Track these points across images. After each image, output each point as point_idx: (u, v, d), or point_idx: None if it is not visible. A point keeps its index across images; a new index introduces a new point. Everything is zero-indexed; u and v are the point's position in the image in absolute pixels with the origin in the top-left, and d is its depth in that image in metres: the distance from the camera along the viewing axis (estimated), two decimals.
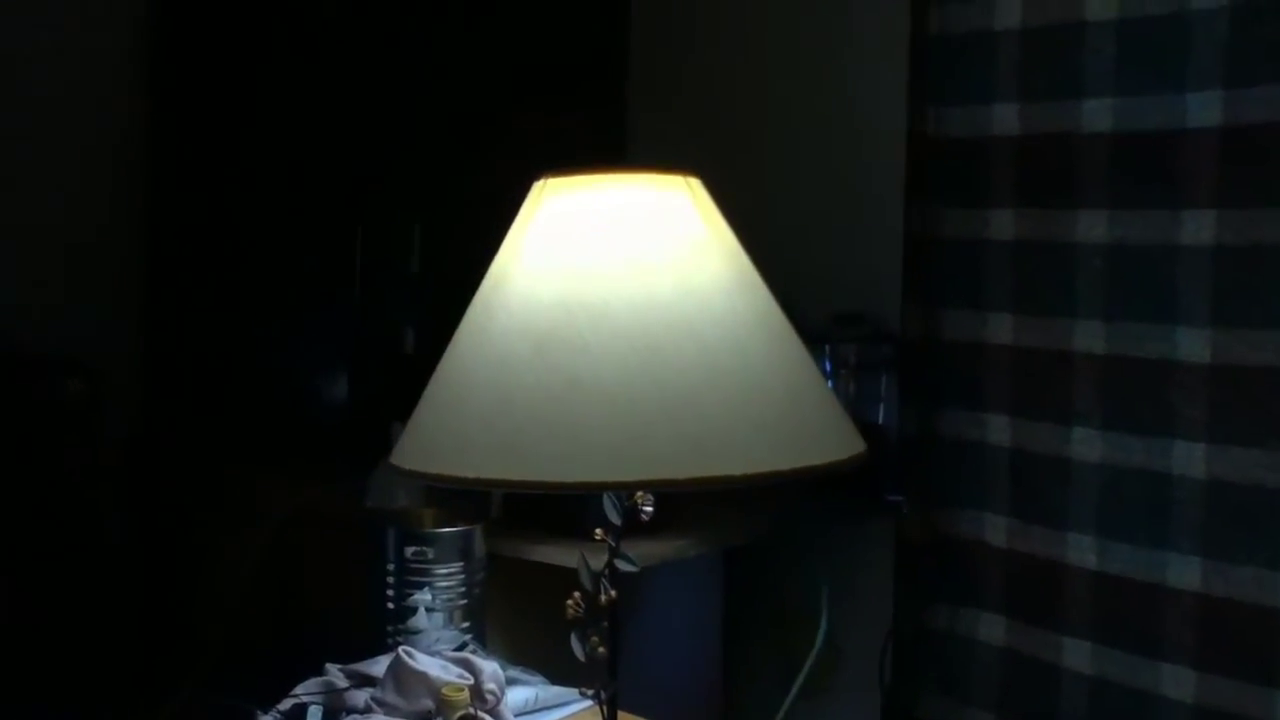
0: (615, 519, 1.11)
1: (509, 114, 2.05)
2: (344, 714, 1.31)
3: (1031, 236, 1.57)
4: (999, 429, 1.63)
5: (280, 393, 2.01)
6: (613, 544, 1.11)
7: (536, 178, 1.06)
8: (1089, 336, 1.52)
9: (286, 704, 1.32)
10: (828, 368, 1.82)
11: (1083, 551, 1.54)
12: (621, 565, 1.12)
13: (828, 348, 1.81)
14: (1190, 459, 1.44)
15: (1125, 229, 1.47)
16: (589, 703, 1.34)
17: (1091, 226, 1.50)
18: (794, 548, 1.97)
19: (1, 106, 1.97)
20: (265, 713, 1.30)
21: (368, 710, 1.31)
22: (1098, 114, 1.48)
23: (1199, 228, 1.40)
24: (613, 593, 1.11)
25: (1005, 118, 1.58)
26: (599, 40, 2.27)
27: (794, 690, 1.85)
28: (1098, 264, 1.50)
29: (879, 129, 1.89)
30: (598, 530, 1.12)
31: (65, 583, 1.79)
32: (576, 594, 1.13)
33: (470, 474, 0.95)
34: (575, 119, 2.14)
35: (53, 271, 2.04)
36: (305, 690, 1.35)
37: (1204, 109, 1.39)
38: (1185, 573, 1.45)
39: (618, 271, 0.97)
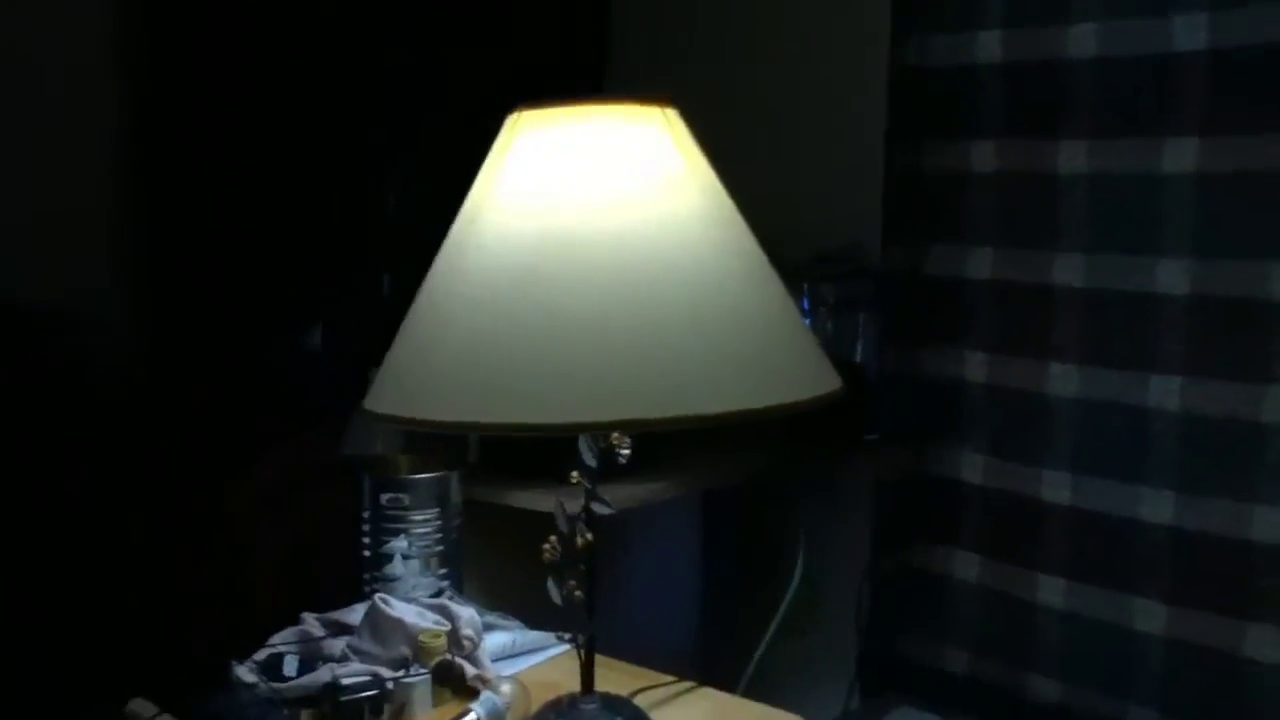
0: (591, 461, 1.09)
1: (482, 33, 2.00)
2: (320, 662, 1.29)
3: (1014, 168, 1.54)
4: (977, 365, 1.62)
5: (258, 341, 1.98)
6: (589, 487, 1.10)
7: (510, 111, 1.03)
8: (1069, 270, 1.50)
9: (262, 654, 1.31)
10: (806, 305, 1.81)
11: (1058, 488, 1.55)
12: (598, 508, 1.10)
13: (806, 285, 1.79)
14: (1166, 393, 1.44)
15: (1106, 158, 1.45)
16: (567, 647, 1.35)
17: (1073, 156, 1.48)
18: (772, 488, 1.97)
19: None
20: (241, 663, 1.28)
21: (344, 658, 1.30)
22: (1083, 39, 1.45)
23: (1182, 156, 1.39)
24: (589, 536, 1.10)
25: (989, 44, 1.55)
26: None
27: (771, 629, 1.86)
28: (1079, 195, 1.48)
29: (861, 59, 1.85)
30: (573, 473, 1.10)
31: (49, 540, 1.77)
32: (553, 538, 1.12)
33: (445, 418, 0.93)
34: (553, 43, 2.10)
35: (37, 223, 2.00)
36: (281, 639, 1.34)
37: (1190, 32, 1.36)
38: (1159, 507, 1.46)
39: (594, 205, 0.95)
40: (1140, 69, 1.41)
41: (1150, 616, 1.47)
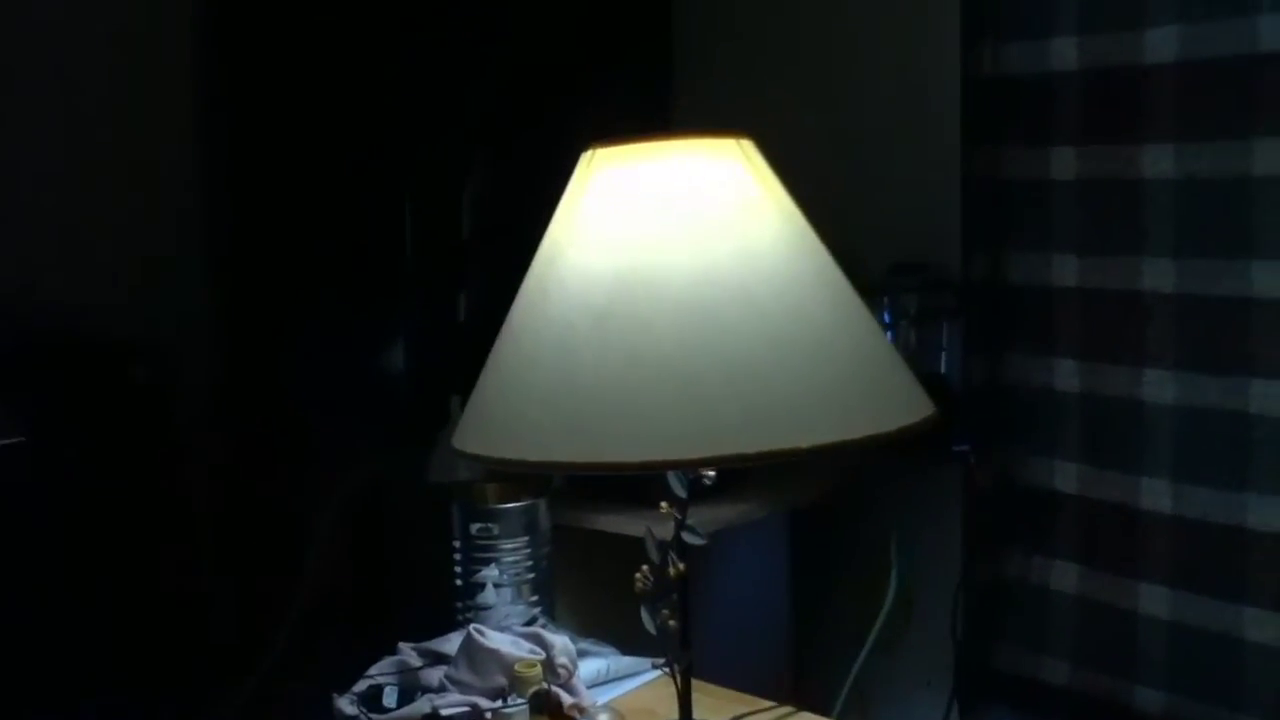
0: (680, 493, 1.09)
1: (554, 78, 2.01)
2: (419, 693, 1.31)
3: (1095, 174, 1.52)
4: (1067, 373, 1.60)
5: (340, 369, 2.02)
6: (679, 517, 1.10)
7: (584, 145, 1.03)
8: (1158, 275, 1.48)
9: (362, 685, 1.33)
10: (887, 318, 1.79)
11: (1158, 495, 1.52)
12: (689, 538, 1.10)
13: (886, 298, 1.78)
14: (1269, 397, 1.40)
15: (1194, 162, 1.43)
16: (661, 673, 1.35)
17: (1158, 160, 1.46)
18: (860, 503, 1.95)
19: (62, 95, 1.99)
20: (341, 695, 1.31)
21: (442, 689, 1.31)
22: (1162, 43, 1.43)
23: (1274, 157, 1.35)
24: (681, 565, 1.11)
25: (1064, 52, 1.53)
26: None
27: (867, 646, 1.84)
28: (1166, 199, 1.45)
29: (933, 72, 1.83)
30: (663, 503, 1.11)
31: (142, 567, 1.83)
32: (644, 567, 1.12)
33: (534, 457, 0.94)
34: (621, 81, 2.10)
35: (117, 258, 2.06)
36: (380, 670, 1.36)
37: (1277, 32, 1.33)
38: (1267, 514, 1.42)
39: (673, 241, 0.95)
40: (1224, 71, 1.38)
41: (1262, 626, 1.43)
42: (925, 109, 1.87)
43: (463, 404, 1.05)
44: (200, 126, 2.17)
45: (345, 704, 1.29)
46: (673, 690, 1.15)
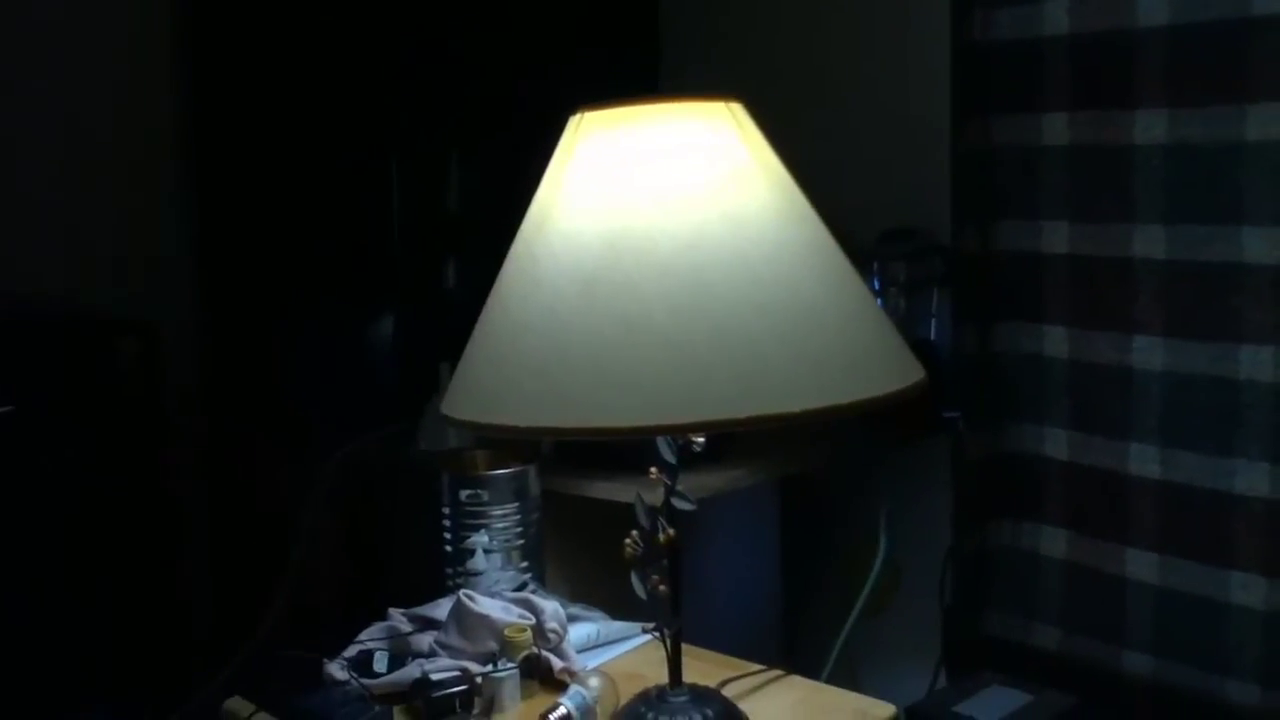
0: (670, 458, 1.10)
1: (541, 43, 2.00)
2: (409, 658, 1.32)
3: (1086, 140, 1.51)
4: (1057, 340, 1.60)
5: (328, 337, 2.01)
6: (669, 483, 1.10)
7: (571, 108, 1.02)
8: (1149, 242, 1.47)
9: (352, 650, 1.33)
10: (876, 285, 1.79)
11: (1146, 461, 1.52)
12: (679, 504, 1.11)
13: (876, 265, 1.78)
14: (1257, 363, 1.41)
15: (1186, 127, 1.42)
16: (650, 636, 1.35)
17: (1150, 127, 1.45)
18: (850, 470, 1.96)
19: (52, 76, 1.99)
20: (332, 660, 1.31)
21: (433, 654, 1.32)
22: (1153, 7, 1.42)
23: (1267, 122, 1.34)
24: (671, 531, 1.11)
25: (1054, 15, 1.52)
26: None
27: (855, 611, 1.85)
28: (1157, 166, 1.45)
29: (923, 37, 1.82)
30: (652, 469, 1.11)
31: (131, 539, 1.83)
32: (634, 533, 1.12)
33: (523, 423, 0.93)
34: (609, 43, 2.08)
35: (105, 233, 2.07)
36: (370, 636, 1.36)
37: None
38: (1254, 479, 1.42)
39: (663, 205, 0.94)
40: (1217, 34, 1.37)
41: (1249, 590, 1.44)
42: (915, 75, 1.86)
43: (452, 371, 1.05)
44: (185, 109, 2.17)
45: (336, 669, 1.29)
46: (662, 654, 1.16)
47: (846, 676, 1.88)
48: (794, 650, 1.99)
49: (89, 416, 1.77)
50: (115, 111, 2.09)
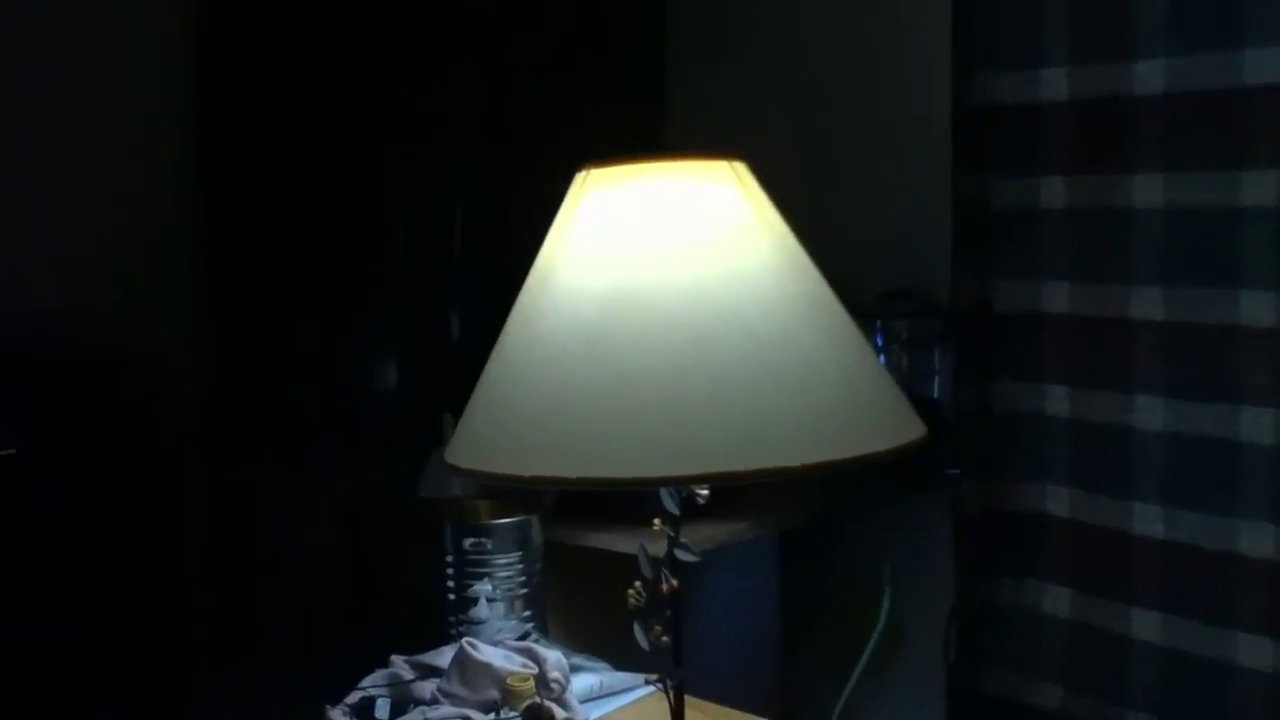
0: (673, 509, 1.10)
1: (546, 94, 2.03)
2: (412, 705, 1.32)
3: (1085, 203, 1.54)
4: (1057, 399, 1.60)
5: (332, 383, 2.03)
6: (671, 534, 1.11)
7: (577, 165, 1.04)
8: (1148, 303, 1.49)
9: (354, 697, 1.33)
10: (879, 343, 1.81)
11: (1149, 521, 1.52)
12: (682, 555, 1.11)
13: (878, 323, 1.80)
14: (1258, 425, 1.41)
15: (1183, 192, 1.44)
16: (653, 688, 1.35)
17: (1147, 190, 1.47)
18: (851, 525, 1.96)
19: (54, 106, 2.00)
20: (334, 706, 1.31)
21: (435, 701, 1.32)
22: (1150, 75, 1.45)
23: (1261, 188, 1.37)
24: (675, 582, 1.11)
25: (1054, 82, 1.55)
26: (637, 13, 2.25)
27: (858, 669, 1.85)
28: (1155, 228, 1.47)
29: (925, 99, 1.85)
30: (655, 520, 1.11)
31: (136, 577, 1.83)
32: (637, 583, 1.12)
33: (526, 473, 0.94)
34: (615, 101, 2.12)
35: (111, 271, 2.07)
36: (372, 683, 1.36)
37: (1264, 65, 1.35)
38: (1257, 540, 1.42)
39: (665, 261, 0.96)
40: (1211, 103, 1.40)
41: (1255, 652, 1.44)
42: (917, 136, 1.89)
43: (455, 421, 1.06)
44: (196, 143, 2.19)
45: (338, 715, 1.29)
46: (665, 706, 1.15)
47: None
48: (793, 704, 1.98)
49: (91, 456, 1.78)
50: (121, 136, 2.07)
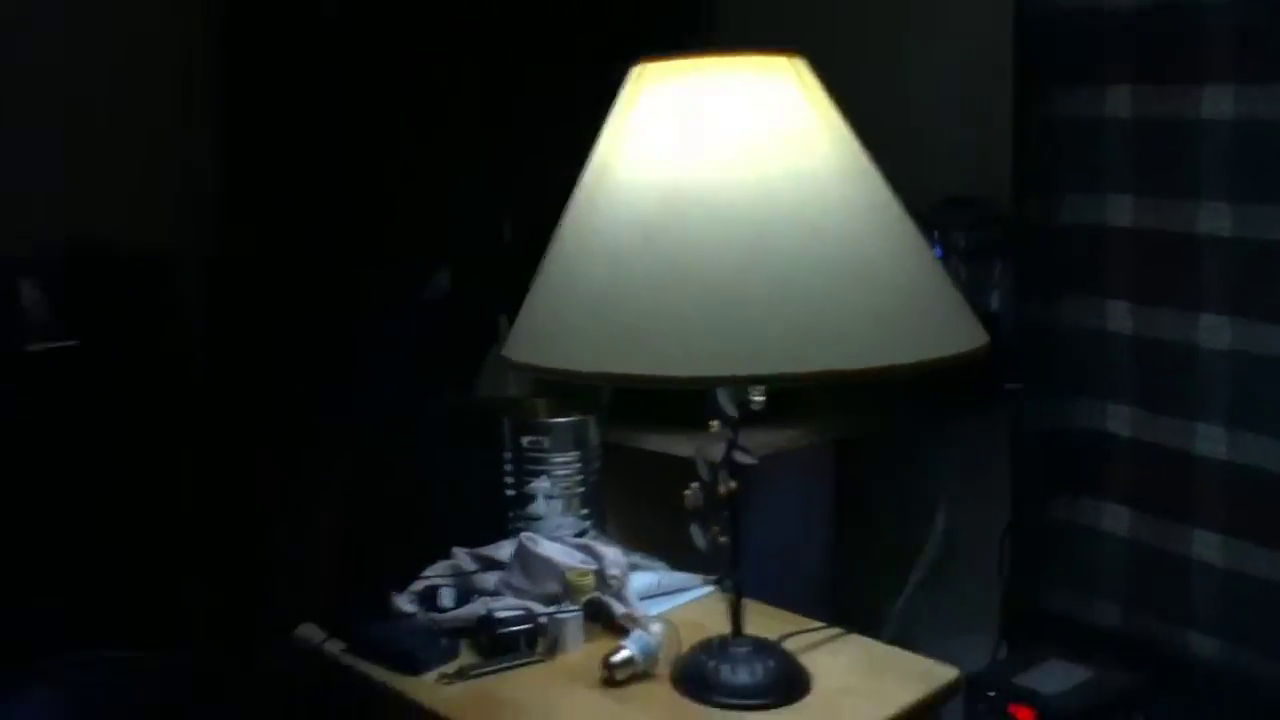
0: (731, 411, 1.11)
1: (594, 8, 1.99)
2: (475, 595, 1.35)
3: (1151, 114, 1.49)
4: (1120, 315, 1.58)
5: (386, 285, 2.03)
6: (731, 436, 1.12)
7: (630, 61, 1.02)
8: (1215, 218, 1.45)
9: (419, 585, 1.37)
10: (938, 253, 1.77)
11: (1213, 442, 1.50)
12: (740, 457, 1.12)
13: (937, 233, 1.75)
14: None
15: (1253, 103, 1.39)
16: (710, 589, 1.38)
17: (1217, 101, 1.42)
18: (907, 438, 1.96)
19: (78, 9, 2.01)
20: (400, 593, 1.35)
21: (497, 593, 1.36)
22: None
23: None
24: (733, 483, 1.13)
25: None
26: None
27: (912, 582, 1.85)
28: (1223, 141, 1.42)
29: (989, 4, 1.80)
30: (712, 422, 1.13)
31: (171, 480, 1.90)
32: (694, 484, 1.14)
33: (583, 368, 0.95)
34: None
35: (138, 173, 2.08)
36: (435, 573, 1.40)
37: None
38: None
39: (723, 159, 0.95)
40: None
41: None
42: (979, 43, 1.84)
43: (510, 323, 1.07)
44: (225, 52, 2.16)
45: (404, 601, 1.34)
46: (723, 606, 1.17)
47: (903, 644, 1.89)
48: (845, 611, 2.00)
49: (141, 346, 1.86)
50: (147, 51, 2.05)
